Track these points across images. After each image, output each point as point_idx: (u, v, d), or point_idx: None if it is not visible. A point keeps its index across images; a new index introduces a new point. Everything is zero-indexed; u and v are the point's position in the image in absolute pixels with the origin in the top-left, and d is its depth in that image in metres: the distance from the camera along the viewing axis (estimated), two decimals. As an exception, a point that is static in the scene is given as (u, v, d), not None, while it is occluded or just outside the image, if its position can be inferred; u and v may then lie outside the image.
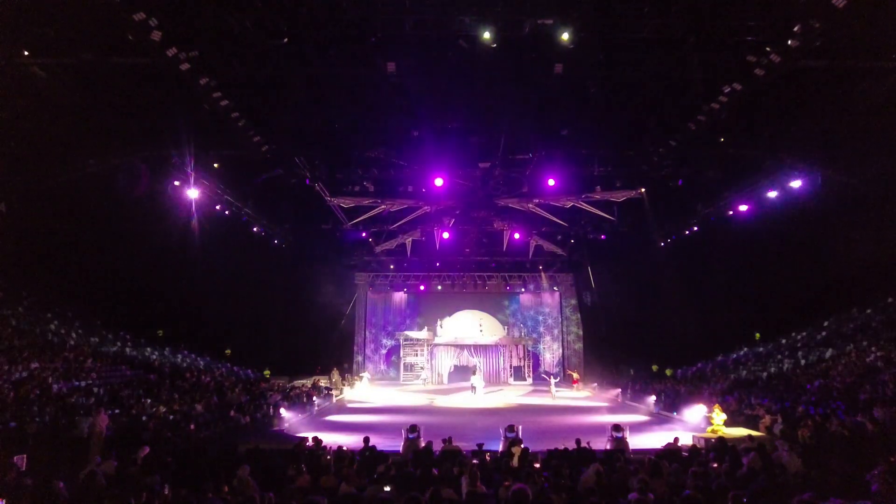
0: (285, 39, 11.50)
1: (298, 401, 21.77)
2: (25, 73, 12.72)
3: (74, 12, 11.13)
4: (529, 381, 32.60)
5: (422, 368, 32.52)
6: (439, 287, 34.48)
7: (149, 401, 17.25)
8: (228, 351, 27.68)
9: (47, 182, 17.63)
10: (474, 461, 9.74)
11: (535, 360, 34.96)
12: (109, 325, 24.18)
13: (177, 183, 17.69)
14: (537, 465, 9.46)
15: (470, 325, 33.86)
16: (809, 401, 17.53)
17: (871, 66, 12.78)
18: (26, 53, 12.30)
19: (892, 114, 14.20)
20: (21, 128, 14.69)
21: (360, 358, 34.53)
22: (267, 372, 27.22)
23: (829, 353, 21.96)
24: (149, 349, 24.20)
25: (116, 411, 15.46)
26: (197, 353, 26.05)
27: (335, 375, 27.23)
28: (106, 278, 23.10)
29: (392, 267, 33.36)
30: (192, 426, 15.81)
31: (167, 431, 14.60)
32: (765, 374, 22.62)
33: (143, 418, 15.57)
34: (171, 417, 16.11)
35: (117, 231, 21.29)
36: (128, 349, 23.28)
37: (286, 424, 18.13)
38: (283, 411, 18.78)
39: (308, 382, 26.11)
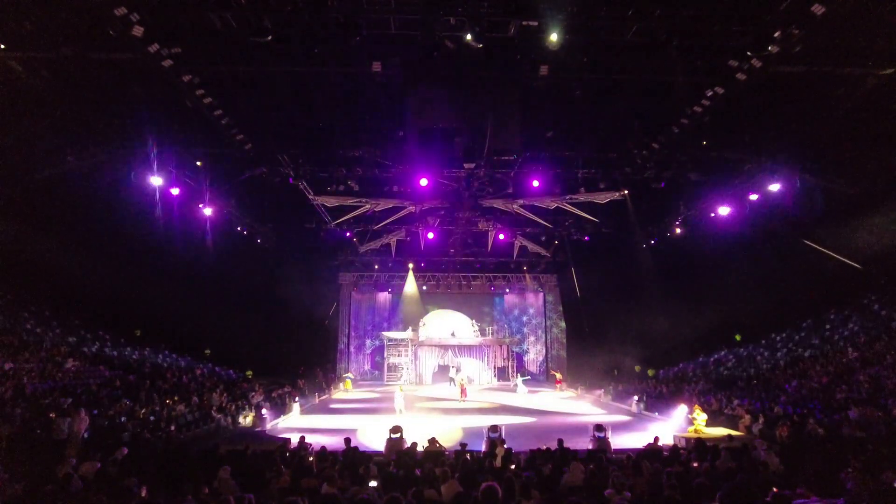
0: (269, 37, 11.39)
1: (281, 401, 21.63)
2: (2, 66, 12.45)
3: (53, 5, 10.92)
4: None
5: (405, 369, 32.50)
6: (424, 287, 34.46)
7: (127, 402, 16.98)
8: (208, 351, 27.39)
9: (24, 178, 17.28)
10: (457, 461, 9.74)
11: (520, 360, 35.12)
12: (88, 324, 23.78)
13: (158, 180, 17.46)
14: (513, 466, 9.48)
15: (451, 325, 33.84)
16: (788, 401, 17.84)
17: (848, 73, 13.03)
18: (2, 47, 12.03)
19: (867, 119, 14.52)
20: (-3, 123, 14.39)
21: (343, 359, 34.39)
22: (249, 372, 26.97)
23: (807, 353, 22.36)
24: (128, 349, 23.85)
25: (95, 412, 15.20)
26: (178, 353, 25.72)
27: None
28: (85, 277, 22.70)
29: (377, 267, 33.29)
30: (173, 427, 15.62)
31: (146, 432, 14.41)
32: (745, 374, 22.96)
33: (122, 419, 15.33)
34: (151, 418, 15.89)
35: (97, 229, 20.95)
36: (107, 349, 22.90)
37: (268, 425, 18.00)
38: (264, 412, 18.63)
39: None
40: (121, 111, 15.11)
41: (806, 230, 21.14)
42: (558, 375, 30.98)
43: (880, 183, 17.93)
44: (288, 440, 13.80)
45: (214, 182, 19.44)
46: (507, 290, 35.97)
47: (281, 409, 20.71)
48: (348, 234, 26.56)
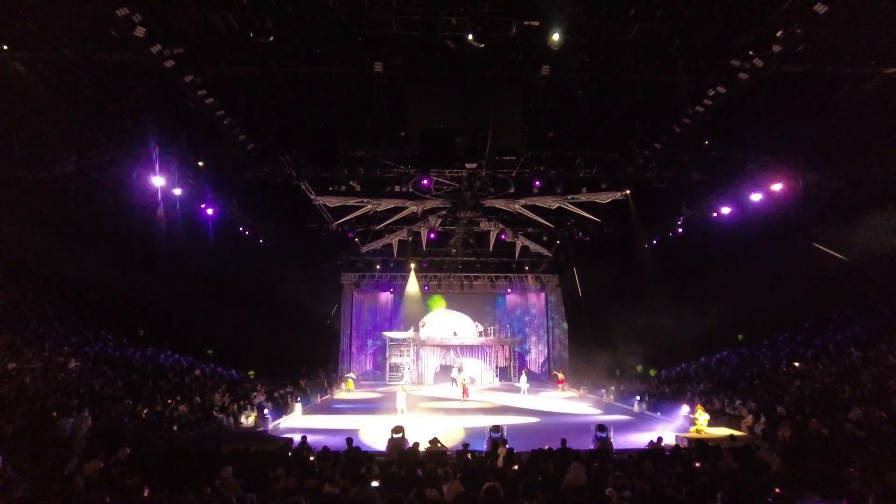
0: (271, 38, 11.39)
1: (283, 401, 21.63)
2: (5, 67, 12.48)
3: (56, 6, 10.95)
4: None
5: (407, 369, 32.49)
6: (426, 287, 34.46)
7: (130, 402, 17.01)
8: (211, 351, 27.43)
9: (27, 179, 17.32)
10: (459, 462, 9.74)
11: (521, 360, 35.10)
12: (90, 324, 23.82)
13: (161, 181, 17.49)
14: (515, 467, 9.47)
15: (452, 325, 33.80)
16: (790, 401, 17.80)
17: (851, 72, 13.00)
18: (6, 48, 12.07)
19: (871, 118, 14.48)
20: None
21: (345, 359, 34.39)
22: (251, 372, 27.00)
23: (809, 353, 22.30)
24: (131, 349, 23.88)
25: (97, 412, 15.23)
26: (180, 353, 25.76)
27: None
28: (87, 277, 22.76)
29: (378, 267, 33.28)
30: (176, 427, 15.64)
31: (149, 432, 14.43)
32: (747, 374, 22.90)
33: (125, 419, 15.35)
34: (154, 418, 15.92)
35: (99, 229, 20.99)
36: (109, 349, 22.94)
37: (270, 425, 18.01)
38: (266, 412, 18.65)
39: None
40: (123, 112, 15.12)
41: (808, 230, 21.09)
42: (560, 375, 30.95)
43: (883, 182, 17.87)
44: (290, 440, 13.82)
45: (216, 182, 19.49)
46: (509, 290, 35.96)
47: (283, 409, 20.73)
48: (350, 234, 26.58)
